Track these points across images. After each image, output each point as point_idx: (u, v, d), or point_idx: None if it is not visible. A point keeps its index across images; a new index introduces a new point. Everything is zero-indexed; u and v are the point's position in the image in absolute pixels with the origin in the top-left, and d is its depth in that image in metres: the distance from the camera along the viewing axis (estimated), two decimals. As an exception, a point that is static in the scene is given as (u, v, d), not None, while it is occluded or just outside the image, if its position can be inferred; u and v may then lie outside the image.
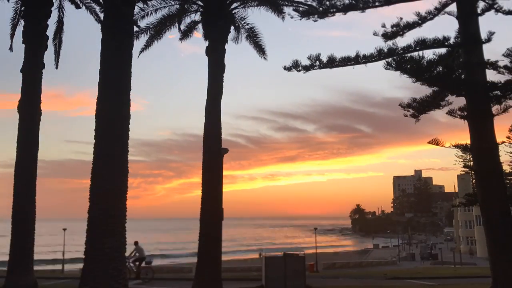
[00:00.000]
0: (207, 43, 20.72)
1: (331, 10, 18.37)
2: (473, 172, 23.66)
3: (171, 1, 21.43)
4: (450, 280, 29.91)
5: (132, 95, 14.03)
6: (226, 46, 20.87)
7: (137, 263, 25.28)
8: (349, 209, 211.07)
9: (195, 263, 20.15)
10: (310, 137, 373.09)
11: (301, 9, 19.07)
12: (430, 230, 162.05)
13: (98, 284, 12.33)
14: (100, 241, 12.70)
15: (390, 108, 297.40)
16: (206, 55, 20.63)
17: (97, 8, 22.04)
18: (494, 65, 17.40)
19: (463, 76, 17.99)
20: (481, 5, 17.93)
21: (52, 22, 21.78)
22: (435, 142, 18.45)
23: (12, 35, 22.27)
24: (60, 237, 52.18)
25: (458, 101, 18.30)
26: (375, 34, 18.44)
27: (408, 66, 16.93)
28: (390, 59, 17.15)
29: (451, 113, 17.87)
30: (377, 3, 18.32)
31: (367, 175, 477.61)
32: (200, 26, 21.95)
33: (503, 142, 18.87)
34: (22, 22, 20.98)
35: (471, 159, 20.59)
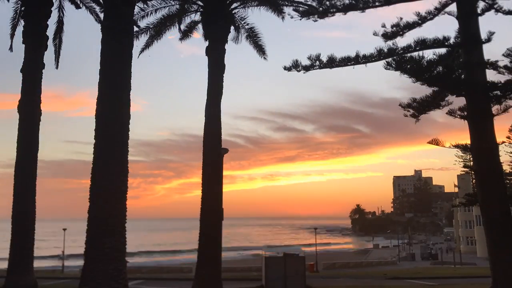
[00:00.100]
0: (207, 43, 20.77)
1: (331, 10, 18.36)
2: (473, 172, 23.65)
3: (171, 1, 21.46)
4: (450, 280, 29.93)
5: (131, 96, 14.05)
6: (225, 46, 20.88)
7: None
8: (349, 209, 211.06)
9: (195, 263, 20.16)
10: (309, 137, 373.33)
11: (301, 9, 19.08)
12: (430, 230, 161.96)
13: (98, 284, 12.33)
14: (100, 241, 12.71)
15: (389, 108, 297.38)
16: (206, 55, 20.63)
17: (97, 8, 22.09)
18: (494, 65, 17.39)
19: (463, 76, 17.99)
20: (481, 5, 17.95)
21: (52, 22, 21.87)
22: (435, 142, 18.45)
23: (12, 35, 22.29)
24: (59, 237, 52.14)
25: (458, 101, 18.33)
26: (375, 34, 18.44)
27: (408, 66, 16.92)
28: (390, 59, 17.16)
29: (451, 113, 17.86)
30: (377, 3, 18.32)
31: (366, 175, 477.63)
32: (200, 26, 22.00)
33: (503, 142, 18.88)
34: (22, 22, 21.01)
35: (471, 159, 20.59)
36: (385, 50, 17.76)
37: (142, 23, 21.77)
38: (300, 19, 18.82)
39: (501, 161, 18.35)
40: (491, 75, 17.82)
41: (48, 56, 22.81)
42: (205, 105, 20.17)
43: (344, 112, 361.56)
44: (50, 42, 21.61)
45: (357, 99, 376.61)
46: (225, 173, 20.75)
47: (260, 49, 23.44)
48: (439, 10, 18.29)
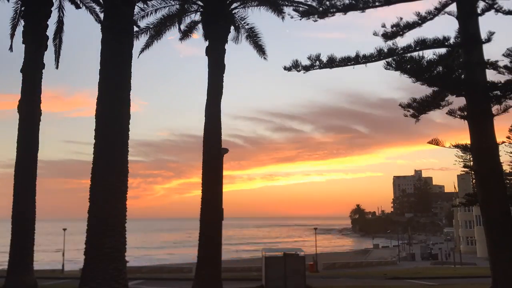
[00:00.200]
0: (207, 43, 20.74)
1: (331, 10, 18.35)
2: (473, 172, 23.64)
3: (171, 1, 21.46)
4: (450, 280, 29.91)
5: (131, 96, 14.04)
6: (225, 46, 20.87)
7: None
8: (348, 209, 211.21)
9: (195, 263, 20.15)
10: (307, 137, 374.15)
11: (301, 9, 19.06)
12: (430, 230, 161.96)
13: (98, 284, 12.33)
14: (100, 241, 12.71)
15: (387, 108, 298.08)
16: (206, 55, 20.62)
17: (97, 8, 22.09)
18: (494, 65, 17.38)
19: (463, 76, 17.98)
20: (481, 5, 17.94)
21: (52, 22, 21.86)
22: (435, 142, 18.44)
23: (12, 35, 22.29)
24: (57, 238, 52.09)
25: (458, 101, 18.33)
26: (375, 34, 18.43)
27: (408, 66, 16.92)
28: (390, 59, 17.15)
29: (451, 113, 17.85)
30: (377, 3, 18.31)
31: (365, 175, 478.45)
32: (200, 26, 21.99)
33: (503, 142, 18.87)
34: (22, 22, 21.02)
35: (471, 159, 20.58)
36: (385, 50, 17.75)
37: (142, 23, 21.81)
38: (300, 19, 18.82)
39: (501, 161, 18.36)
40: (491, 75, 17.85)
41: (48, 56, 22.84)
42: (205, 105, 20.16)
43: (342, 112, 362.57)
44: (50, 42, 21.63)
45: (355, 99, 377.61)
46: (224, 173, 20.77)
47: (260, 49, 23.44)
48: (439, 10, 18.28)
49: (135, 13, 15.77)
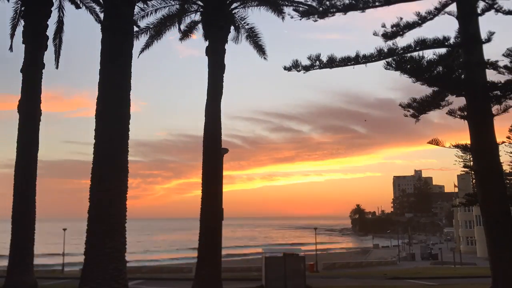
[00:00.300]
0: (206, 43, 20.73)
1: (331, 10, 18.35)
2: (473, 172, 23.64)
3: (171, 1, 21.44)
4: (450, 280, 29.90)
5: (131, 96, 14.04)
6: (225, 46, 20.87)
7: None
8: (348, 209, 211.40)
9: (195, 263, 20.15)
10: (306, 137, 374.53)
11: (301, 9, 19.06)
12: (430, 230, 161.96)
13: (98, 284, 12.33)
14: (100, 241, 12.70)
15: (384, 109, 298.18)
16: (206, 55, 20.61)
17: (97, 8, 22.07)
18: (494, 65, 17.38)
19: (463, 76, 17.98)
20: (481, 5, 17.94)
21: (52, 22, 21.82)
22: (435, 142, 18.43)
23: (12, 35, 22.26)
24: (57, 238, 52.11)
25: (458, 101, 18.33)
26: (375, 34, 18.43)
27: (408, 66, 16.91)
28: (390, 59, 17.13)
29: (451, 113, 17.85)
30: (377, 3, 18.31)
31: (364, 175, 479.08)
32: (200, 26, 21.99)
33: (503, 142, 18.86)
34: (22, 22, 20.99)
35: (471, 159, 20.57)
36: (385, 50, 17.75)
37: (142, 23, 21.79)
38: (300, 19, 18.83)
39: (501, 161, 18.35)
40: (491, 75, 17.84)
41: (48, 56, 22.83)
42: (205, 105, 20.15)
43: (340, 113, 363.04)
44: (50, 42, 21.60)
45: (353, 99, 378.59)
46: (224, 173, 20.76)
47: (260, 49, 23.44)
48: (439, 10, 18.28)
49: (135, 13, 15.76)
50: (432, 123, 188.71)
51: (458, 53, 18.30)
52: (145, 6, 20.87)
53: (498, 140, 17.60)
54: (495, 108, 17.52)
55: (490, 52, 17.83)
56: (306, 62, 18.06)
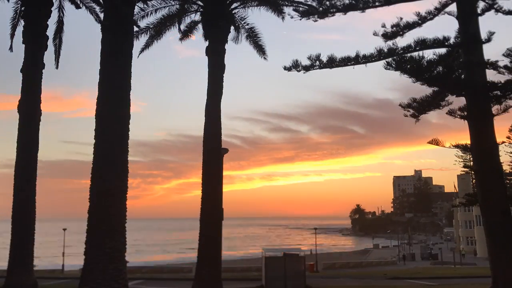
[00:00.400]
0: (206, 43, 20.71)
1: (331, 10, 18.34)
2: (473, 172, 23.64)
3: (171, 1, 21.43)
4: (450, 280, 29.90)
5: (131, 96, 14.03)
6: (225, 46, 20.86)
7: None
8: (348, 209, 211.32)
9: (195, 263, 20.15)
10: (305, 138, 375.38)
11: (301, 9, 19.05)
12: (430, 230, 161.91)
13: (98, 284, 12.32)
14: (100, 241, 12.70)
15: (383, 109, 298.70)
16: (206, 55, 20.59)
17: (97, 8, 22.07)
18: (494, 65, 17.38)
19: (463, 76, 17.97)
20: (481, 5, 17.94)
21: (52, 22, 21.82)
22: (435, 142, 18.43)
23: (12, 35, 22.26)
24: (57, 238, 52.08)
25: (458, 101, 18.33)
26: (375, 34, 18.42)
27: (408, 66, 16.90)
28: (390, 59, 17.12)
29: (451, 113, 17.84)
30: (377, 3, 18.30)
31: (364, 175, 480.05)
32: (200, 26, 21.97)
33: (503, 142, 18.87)
34: (22, 22, 20.98)
35: (471, 159, 20.57)
36: (385, 50, 17.73)
37: (142, 23, 21.78)
38: (300, 19, 18.81)
39: (501, 161, 18.35)
40: (491, 75, 17.84)
41: (48, 56, 22.84)
42: (205, 105, 20.14)
43: (338, 113, 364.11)
44: (50, 42, 21.60)
45: (351, 100, 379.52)
46: (224, 173, 20.75)
47: (260, 49, 23.44)
48: (439, 10, 18.28)
49: (135, 13, 15.75)
50: (431, 123, 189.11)
51: (458, 53, 18.30)
52: (145, 6, 20.89)
53: (498, 140, 17.63)
54: (495, 108, 17.53)
55: (490, 52, 17.87)
56: (306, 62, 18.08)
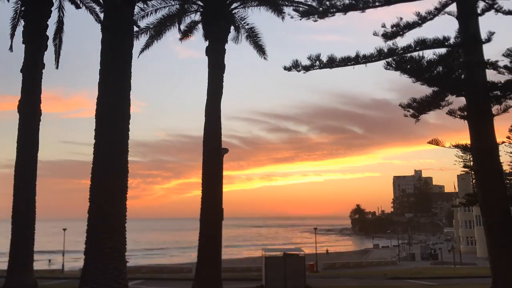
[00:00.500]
0: (206, 43, 20.72)
1: (331, 10, 18.32)
2: (473, 172, 23.64)
3: (171, 1, 21.43)
4: (450, 280, 29.90)
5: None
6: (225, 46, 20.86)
7: None
8: (348, 209, 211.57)
9: (195, 263, 20.15)
10: (303, 138, 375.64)
11: (301, 9, 19.04)
12: (430, 230, 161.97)
13: (98, 284, 12.32)
14: (100, 241, 12.70)
15: (380, 109, 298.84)
16: (206, 55, 20.60)
17: (97, 8, 22.04)
18: (494, 65, 17.39)
19: (463, 76, 17.97)
20: (481, 5, 17.93)
21: (52, 22, 21.80)
22: (435, 142, 18.43)
23: (12, 35, 22.25)
24: (57, 238, 52.09)
25: (458, 101, 18.32)
26: (375, 34, 18.41)
27: (408, 66, 16.90)
28: (390, 59, 17.12)
29: (451, 113, 17.84)
30: (377, 3, 18.29)
31: (363, 175, 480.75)
32: (200, 26, 21.99)
33: (503, 142, 18.84)
34: (22, 22, 20.97)
35: (471, 159, 20.57)
36: (385, 50, 17.72)
37: (142, 23, 21.78)
38: (300, 19, 18.79)
39: (501, 161, 18.35)
40: (491, 75, 17.84)
41: (48, 56, 22.83)
42: (205, 105, 20.14)
43: (336, 113, 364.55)
44: (50, 42, 21.59)
45: (349, 100, 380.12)
46: (223, 173, 20.74)
47: (260, 49, 23.45)
48: (439, 10, 18.27)
49: (135, 13, 15.74)
50: (429, 123, 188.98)
51: (458, 53, 18.29)
52: (145, 6, 20.88)
53: (498, 140, 17.61)
54: (495, 108, 17.53)
55: (490, 52, 17.86)
56: (306, 62, 18.06)
